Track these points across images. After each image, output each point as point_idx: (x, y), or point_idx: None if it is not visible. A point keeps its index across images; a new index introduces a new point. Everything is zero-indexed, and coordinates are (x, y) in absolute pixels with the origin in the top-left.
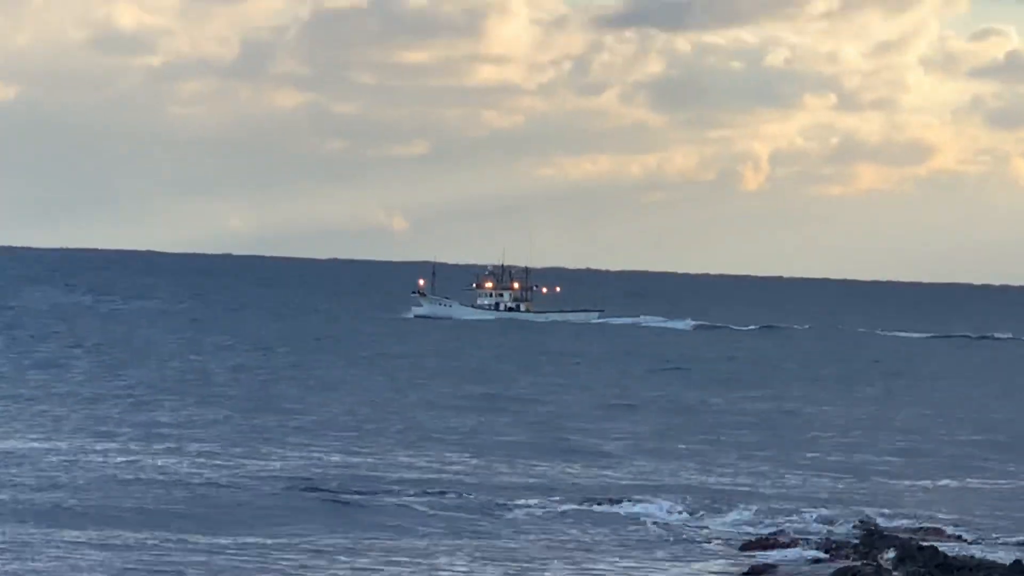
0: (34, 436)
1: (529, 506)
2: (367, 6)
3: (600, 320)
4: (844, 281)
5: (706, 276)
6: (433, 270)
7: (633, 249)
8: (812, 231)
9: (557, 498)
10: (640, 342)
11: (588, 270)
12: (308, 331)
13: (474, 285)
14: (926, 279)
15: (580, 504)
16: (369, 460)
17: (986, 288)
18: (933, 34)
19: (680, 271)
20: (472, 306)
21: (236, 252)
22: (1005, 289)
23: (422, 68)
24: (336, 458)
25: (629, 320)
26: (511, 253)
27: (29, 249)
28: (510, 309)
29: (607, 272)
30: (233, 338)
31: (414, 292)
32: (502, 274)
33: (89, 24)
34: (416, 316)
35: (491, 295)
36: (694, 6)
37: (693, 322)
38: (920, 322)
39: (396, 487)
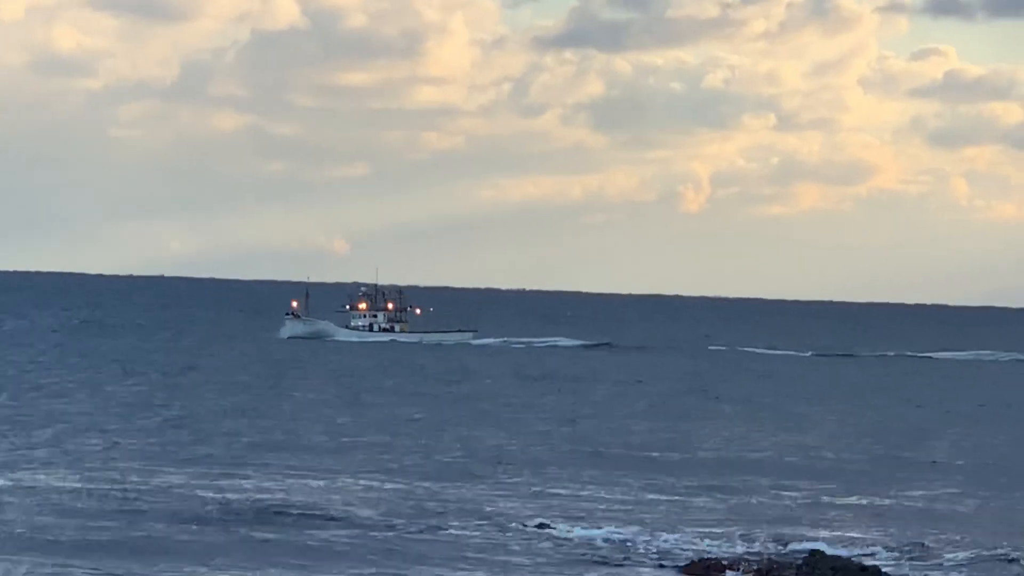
0: None
1: (465, 528)
2: (306, 28)
3: (475, 341)
4: (783, 301)
5: (646, 297)
6: (307, 291)
7: (573, 270)
8: (753, 251)
9: (491, 521)
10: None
11: (521, 291)
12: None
13: (347, 306)
14: (866, 299)
15: (519, 527)
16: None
17: (924, 308)
18: (872, 54)
19: (623, 292)
20: (346, 327)
21: (177, 274)
22: (942, 309)
23: (362, 90)
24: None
25: (500, 340)
26: (452, 274)
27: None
28: (384, 330)
29: (543, 292)
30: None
31: (287, 313)
32: (376, 295)
33: (28, 47)
34: (289, 337)
35: (365, 316)
36: (633, 27)
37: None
38: (804, 340)
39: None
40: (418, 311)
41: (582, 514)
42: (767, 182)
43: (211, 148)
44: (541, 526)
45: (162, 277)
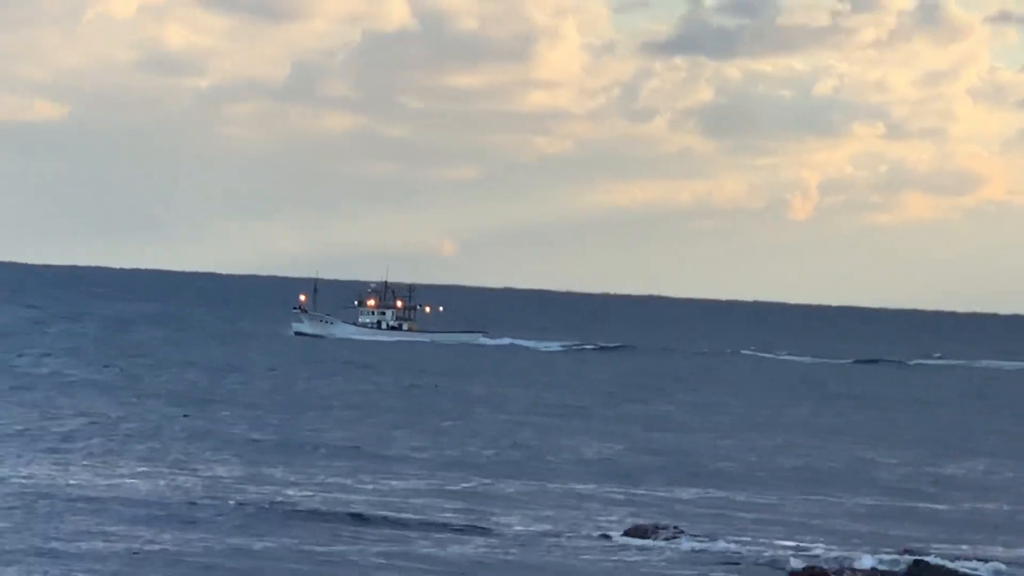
0: None
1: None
2: (416, 30)
3: (485, 341)
4: (885, 311)
5: (739, 303)
6: (315, 286)
7: (680, 276)
8: (859, 259)
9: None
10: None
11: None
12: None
13: (356, 303)
14: (968, 309)
15: (630, 534)
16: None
17: None
18: (983, 64)
19: (724, 298)
20: (354, 324)
21: (285, 274)
22: None
23: (471, 92)
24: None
25: (507, 341)
26: (557, 277)
27: (75, 268)
28: (392, 328)
29: (648, 297)
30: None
31: (295, 308)
32: (385, 292)
33: (139, 45)
34: (296, 333)
35: (373, 313)
36: (743, 34)
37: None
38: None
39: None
40: (427, 309)
41: (683, 521)
42: (875, 190)
43: (321, 148)
44: (631, 533)
45: (276, 277)
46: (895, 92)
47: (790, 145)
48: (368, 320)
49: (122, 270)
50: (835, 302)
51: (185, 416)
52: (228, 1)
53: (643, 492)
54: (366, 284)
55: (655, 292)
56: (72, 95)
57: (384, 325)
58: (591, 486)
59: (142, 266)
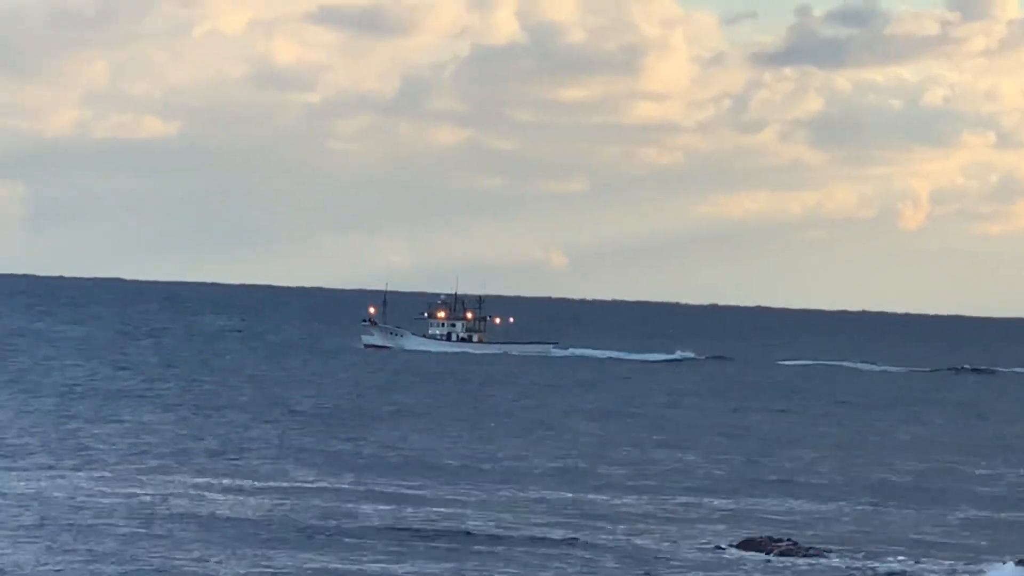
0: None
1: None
2: (525, 43)
3: (556, 352)
4: (996, 320)
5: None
6: (384, 298)
7: (789, 286)
8: (971, 269)
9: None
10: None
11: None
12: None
13: (426, 315)
14: None
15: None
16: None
17: None
18: None
19: (836, 308)
20: (424, 336)
21: (396, 288)
22: None
23: (580, 105)
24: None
25: (578, 352)
26: (666, 289)
27: (186, 284)
28: (463, 340)
29: (756, 308)
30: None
31: (364, 321)
32: (455, 303)
33: (249, 61)
34: (366, 346)
35: (443, 325)
36: (852, 44)
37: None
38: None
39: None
40: (497, 321)
41: (793, 532)
42: (986, 200)
43: (430, 162)
44: (744, 546)
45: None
46: (1006, 101)
47: (900, 155)
48: (438, 332)
49: (231, 286)
50: (946, 311)
51: (270, 428)
52: (337, 16)
53: (750, 504)
54: (436, 296)
55: (764, 303)
56: (182, 112)
57: (454, 337)
58: (696, 498)
59: (252, 281)
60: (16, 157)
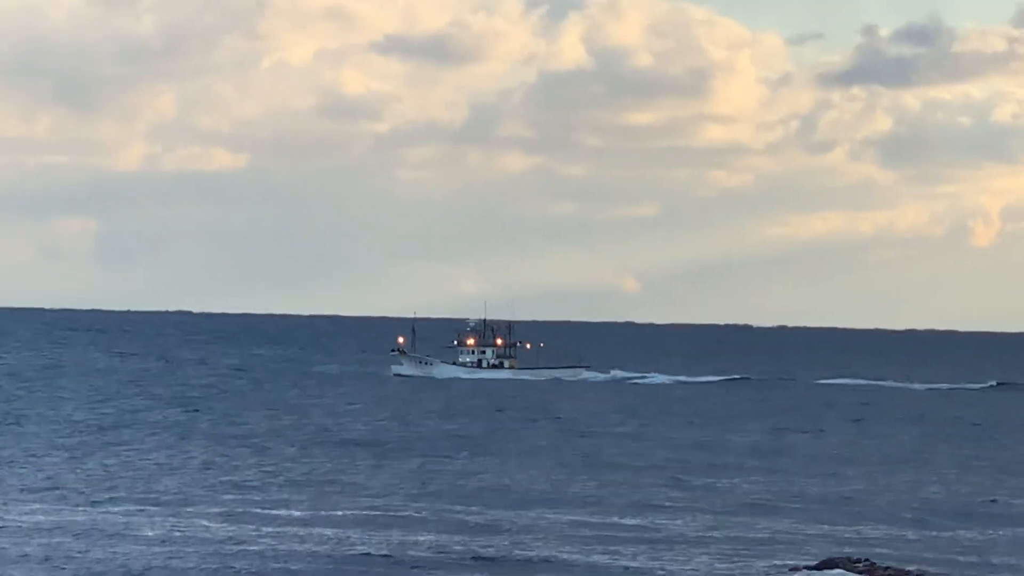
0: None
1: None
2: (592, 68)
3: (587, 375)
4: None
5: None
6: (413, 327)
7: (860, 306)
8: None
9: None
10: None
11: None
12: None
13: (455, 342)
14: None
15: (821, 567)
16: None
17: None
18: None
19: (917, 327)
20: (454, 364)
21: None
22: None
23: (649, 129)
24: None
25: (610, 375)
26: (738, 312)
27: (257, 316)
28: (493, 366)
29: (830, 329)
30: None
31: (394, 350)
32: (484, 330)
33: (317, 92)
34: (395, 375)
35: (473, 352)
36: (920, 63)
37: (667, 377)
38: None
39: None
40: (527, 346)
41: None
42: None
43: (499, 190)
44: (823, 566)
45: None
46: None
47: (970, 172)
48: (468, 359)
49: (301, 317)
50: (1017, 329)
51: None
52: (403, 46)
53: (818, 525)
54: (464, 322)
55: (836, 324)
56: (250, 144)
57: (485, 363)
58: (763, 520)
59: (321, 312)
60: (86, 192)
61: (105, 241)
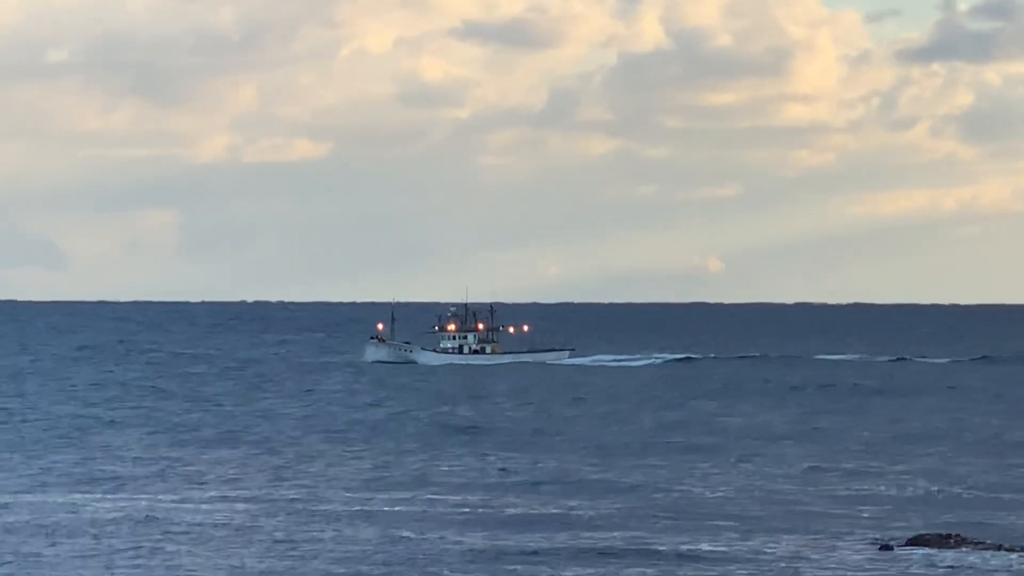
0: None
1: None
2: (671, 49)
3: (571, 359)
4: None
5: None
6: (392, 313)
7: (944, 283)
8: None
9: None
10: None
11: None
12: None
13: (436, 328)
14: None
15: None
16: None
17: None
18: None
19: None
20: (434, 350)
21: (551, 300)
22: None
23: (729, 109)
24: None
25: (595, 358)
26: (823, 290)
27: (339, 305)
28: (475, 351)
29: (913, 306)
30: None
31: (372, 337)
32: (465, 315)
33: (396, 79)
34: (373, 361)
35: (454, 338)
36: (1000, 37)
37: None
38: None
39: None
40: (511, 330)
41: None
42: None
43: (580, 173)
44: (914, 543)
45: (535, 304)
46: None
47: None
48: (449, 345)
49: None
50: None
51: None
52: (482, 31)
53: (910, 503)
54: (446, 307)
55: (918, 300)
56: (331, 133)
57: (466, 349)
58: (855, 498)
59: (408, 300)
60: (168, 185)
61: (187, 233)
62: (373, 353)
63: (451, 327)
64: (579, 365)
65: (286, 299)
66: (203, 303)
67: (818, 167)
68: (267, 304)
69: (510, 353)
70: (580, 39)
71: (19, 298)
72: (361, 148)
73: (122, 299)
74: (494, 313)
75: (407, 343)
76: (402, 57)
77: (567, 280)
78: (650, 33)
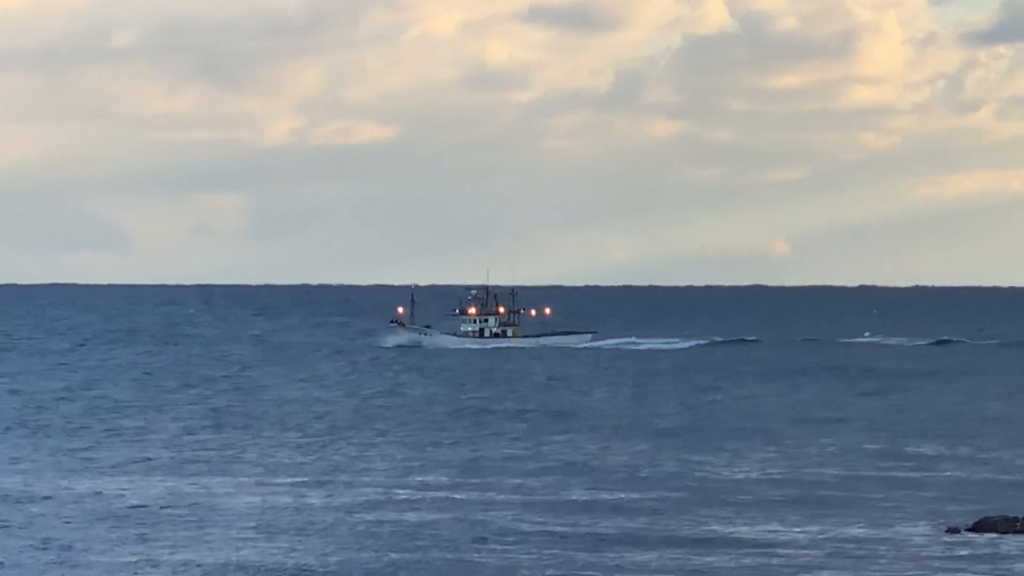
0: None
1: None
2: (736, 32)
3: (592, 343)
4: None
5: None
6: (412, 296)
7: (1015, 264)
8: None
9: None
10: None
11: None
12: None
13: (457, 311)
14: None
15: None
16: None
17: None
18: None
19: None
20: (455, 334)
21: (617, 283)
22: None
23: (795, 92)
24: None
25: (618, 341)
26: (890, 273)
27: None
28: (496, 335)
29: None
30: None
31: (392, 321)
32: (487, 298)
33: (461, 62)
34: (395, 345)
35: (475, 321)
36: None
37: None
38: None
39: None
40: (532, 313)
41: None
42: None
43: (646, 156)
44: (980, 527)
45: (597, 287)
46: None
47: None
48: (470, 328)
49: (453, 287)
50: None
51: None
52: (547, 14)
53: (975, 487)
54: (468, 289)
55: (986, 283)
56: (397, 116)
57: (487, 332)
58: (919, 481)
59: (468, 282)
60: (234, 168)
61: (252, 216)
62: (393, 338)
63: (472, 311)
64: (601, 348)
65: (349, 282)
66: (266, 286)
67: (884, 150)
68: (328, 287)
69: (531, 336)
70: (645, 22)
71: (83, 281)
72: (426, 131)
73: (187, 282)
74: (515, 297)
75: (427, 327)
76: (467, 40)
77: (634, 263)
78: (715, 16)
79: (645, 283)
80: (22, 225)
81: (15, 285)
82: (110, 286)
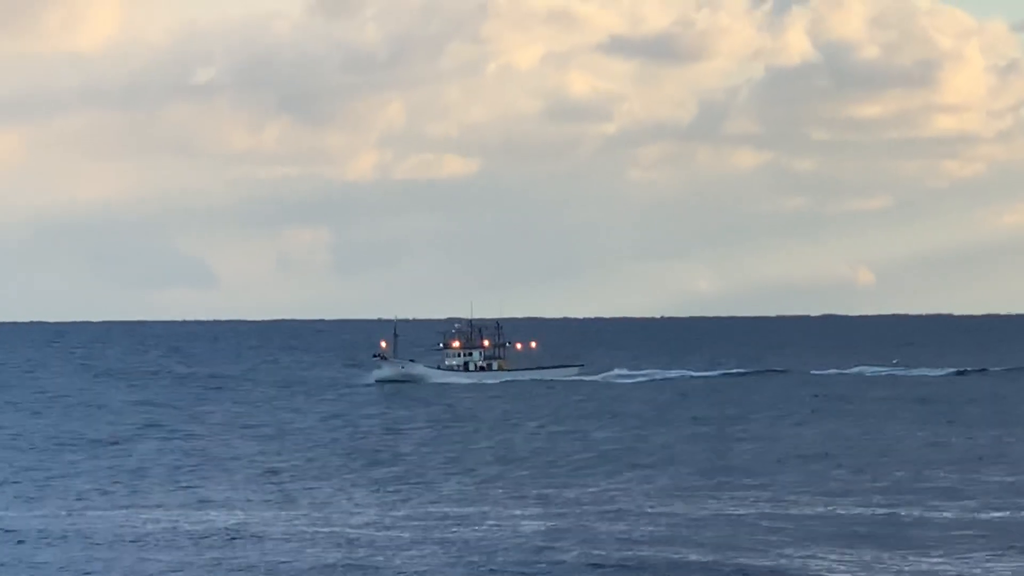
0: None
1: None
2: (818, 62)
3: (579, 376)
4: None
5: None
6: (395, 330)
7: None
8: None
9: None
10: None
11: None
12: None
13: (441, 344)
14: None
15: None
16: None
17: None
18: None
19: None
20: (439, 368)
21: (704, 314)
22: None
23: (877, 121)
24: None
25: (605, 374)
26: (975, 302)
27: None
28: (481, 368)
29: None
30: None
31: (375, 355)
32: (471, 332)
33: (543, 95)
34: (377, 381)
35: (459, 355)
36: None
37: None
38: None
39: None
40: (518, 346)
41: None
42: None
43: (730, 186)
44: None
45: (686, 318)
46: None
47: None
48: (454, 362)
49: (540, 320)
50: None
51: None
52: (629, 46)
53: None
54: (451, 322)
55: None
56: (480, 149)
57: (472, 366)
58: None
59: (553, 315)
60: (319, 203)
61: (336, 251)
62: (377, 372)
63: (456, 344)
64: (583, 380)
65: (434, 316)
66: (347, 320)
67: (967, 178)
68: (407, 322)
69: (517, 370)
70: (727, 53)
71: (170, 318)
72: (509, 164)
73: (271, 317)
74: (500, 330)
75: (411, 360)
76: (549, 72)
77: (719, 293)
78: (796, 46)
79: (727, 314)
80: (111, 261)
81: (109, 322)
82: (197, 322)
